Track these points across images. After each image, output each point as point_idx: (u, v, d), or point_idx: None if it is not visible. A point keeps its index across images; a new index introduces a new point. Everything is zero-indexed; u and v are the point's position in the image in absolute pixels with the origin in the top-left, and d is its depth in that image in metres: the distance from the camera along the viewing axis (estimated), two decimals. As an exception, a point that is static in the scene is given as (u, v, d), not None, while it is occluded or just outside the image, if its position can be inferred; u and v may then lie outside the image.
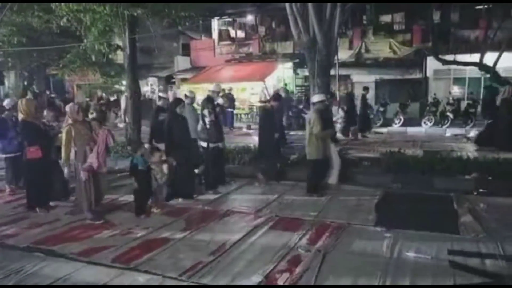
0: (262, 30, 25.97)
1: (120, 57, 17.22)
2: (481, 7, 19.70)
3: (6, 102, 7.70)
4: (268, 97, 11.96)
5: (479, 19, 19.22)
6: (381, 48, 21.27)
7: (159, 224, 5.70)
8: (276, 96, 9.15)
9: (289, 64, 22.28)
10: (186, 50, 27.41)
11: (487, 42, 14.69)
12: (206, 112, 7.26)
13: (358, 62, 21.34)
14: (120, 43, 12.33)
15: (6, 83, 25.93)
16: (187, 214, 6.20)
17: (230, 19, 26.06)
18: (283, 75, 22.39)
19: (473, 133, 13.19)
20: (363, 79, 20.83)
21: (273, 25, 26.04)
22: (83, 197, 5.92)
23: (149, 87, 26.60)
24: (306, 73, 14.05)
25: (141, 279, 4.09)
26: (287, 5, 9.15)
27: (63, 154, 5.83)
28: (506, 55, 14.09)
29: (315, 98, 7.26)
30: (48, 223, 5.84)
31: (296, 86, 22.88)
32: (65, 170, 6.00)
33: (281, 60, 22.01)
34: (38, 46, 17.98)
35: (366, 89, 14.63)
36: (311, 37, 9.02)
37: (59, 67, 17.51)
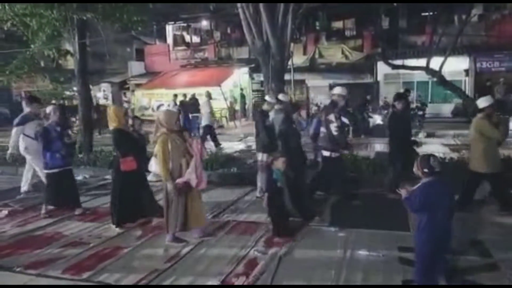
0: (217, 35, 26.02)
1: (70, 63, 16.70)
2: (426, 14, 20.64)
3: (48, 109, 6.65)
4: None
5: (425, 25, 20.11)
6: (334, 53, 21.84)
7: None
8: (400, 95, 7.48)
9: (245, 69, 22.42)
10: (140, 55, 27.01)
11: (433, 47, 15.36)
12: (332, 117, 6.51)
13: (312, 67, 21.79)
14: (70, 48, 11.96)
15: None
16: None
17: (185, 24, 25.93)
18: (239, 80, 22.49)
19: (421, 134, 13.71)
20: (317, 83, 21.32)
21: (229, 30, 26.15)
22: (171, 217, 5.09)
23: (102, 92, 25.94)
24: (262, 78, 14.15)
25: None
26: (240, 10, 9.19)
27: (161, 169, 4.95)
28: (451, 59, 14.74)
29: (483, 102, 6.01)
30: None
31: (253, 91, 23.03)
32: (169, 186, 4.95)
33: (237, 65, 22.10)
34: (-19, 52, 17.13)
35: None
36: (265, 43, 9.11)
37: (5, 74, 16.72)
